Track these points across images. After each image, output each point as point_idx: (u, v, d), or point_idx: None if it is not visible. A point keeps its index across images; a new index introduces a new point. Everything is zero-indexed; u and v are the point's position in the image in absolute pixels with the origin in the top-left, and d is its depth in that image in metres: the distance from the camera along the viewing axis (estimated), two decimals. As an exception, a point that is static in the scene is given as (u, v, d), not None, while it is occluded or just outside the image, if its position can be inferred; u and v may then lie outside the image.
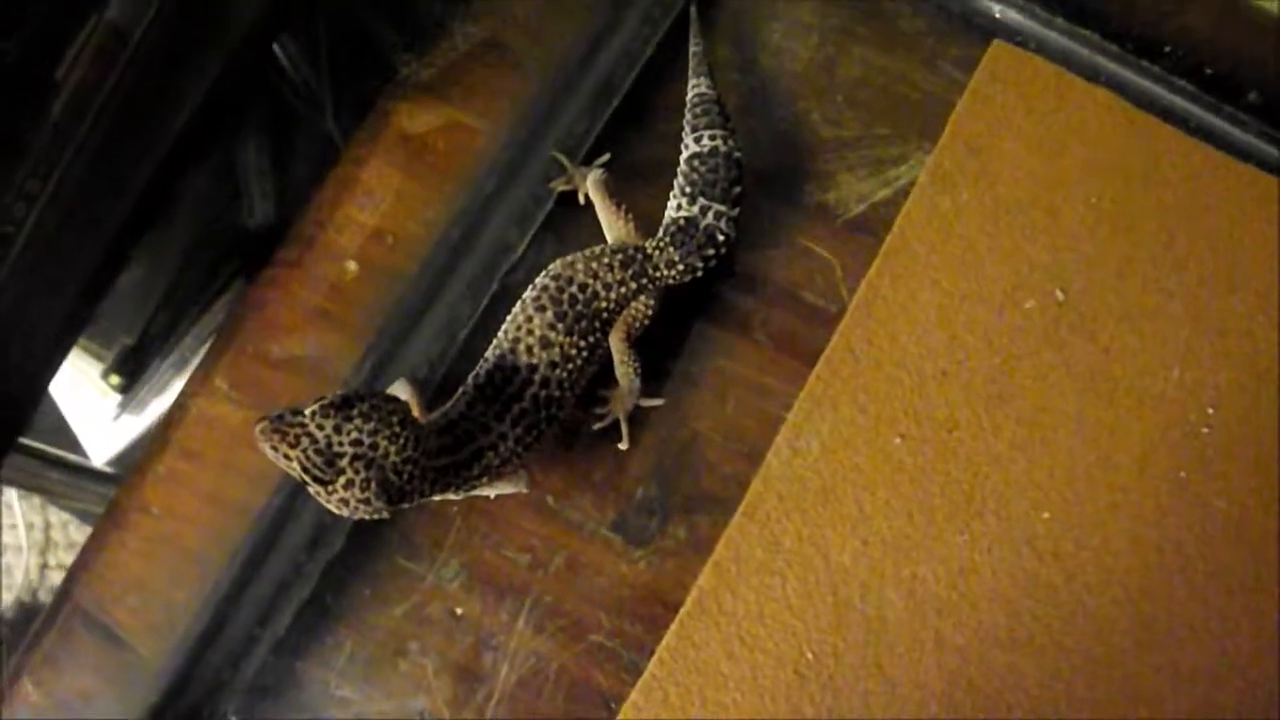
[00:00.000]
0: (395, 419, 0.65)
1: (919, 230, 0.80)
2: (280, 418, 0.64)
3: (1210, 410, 0.79)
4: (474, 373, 0.74)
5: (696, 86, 0.80)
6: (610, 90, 0.84)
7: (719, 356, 0.80)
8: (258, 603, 0.76)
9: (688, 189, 0.78)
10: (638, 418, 0.78)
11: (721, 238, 0.77)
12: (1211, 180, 0.83)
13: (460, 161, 0.78)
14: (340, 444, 0.63)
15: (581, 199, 0.81)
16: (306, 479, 0.64)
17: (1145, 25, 0.87)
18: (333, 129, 1.05)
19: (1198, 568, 0.76)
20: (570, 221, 0.81)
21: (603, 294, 0.74)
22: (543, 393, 0.72)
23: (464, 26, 0.86)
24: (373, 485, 0.64)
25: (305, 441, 0.63)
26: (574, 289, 0.73)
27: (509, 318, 0.74)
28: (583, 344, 0.73)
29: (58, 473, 1.20)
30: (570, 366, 0.73)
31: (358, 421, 0.64)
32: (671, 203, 0.79)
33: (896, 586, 0.75)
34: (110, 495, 1.21)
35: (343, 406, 0.64)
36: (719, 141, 0.78)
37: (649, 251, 0.77)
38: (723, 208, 0.77)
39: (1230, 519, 0.77)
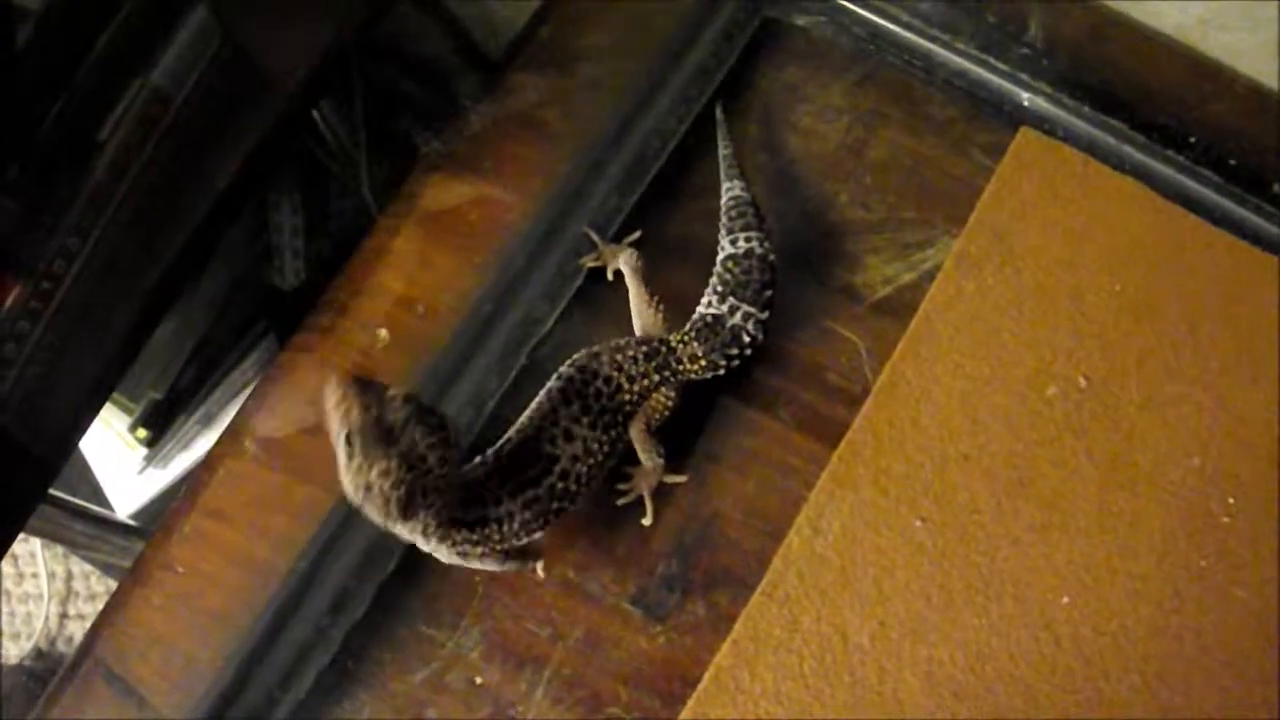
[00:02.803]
0: (452, 452, 0.67)
1: (943, 315, 0.81)
2: (366, 381, 0.66)
3: (1231, 500, 0.79)
4: (497, 446, 0.74)
5: (730, 189, 0.81)
6: (642, 167, 0.85)
7: (742, 434, 0.80)
8: (279, 665, 0.77)
9: (719, 288, 0.79)
10: (661, 494, 0.78)
11: (747, 338, 0.78)
12: (1235, 270, 0.84)
13: (492, 234, 0.79)
14: (402, 436, 0.65)
15: (610, 275, 0.82)
16: (349, 444, 0.64)
17: (1171, 116, 0.88)
18: (367, 196, 1.07)
19: (1216, 656, 0.76)
20: (600, 298, 0.83)
21: (626, 386, 0.75)
22: (559, 484, 0.73)
23: (499, 101, 0.88)
24: (403, 488, 0.65)
25: (375, 411, 0.64)
26: (599, 383, 0.75)
27: (535, 404, 0.75)
28: (605, 438, 0.74)
29: (82, 524, 1.21)
30: (591, 461, 0.74)
31: (426, 429, 0.66)
32: (704, 299, 0.80)
33: (914, 668, 0.75)
34: (132, 548, 1.23)
35: (424, 409, 0.66)
36: (754, 244, 0.79)
37: (673, 345, 0.78)
38: (752, 309, 0.78)
39: (1250, 609, 0.77)
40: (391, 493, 0.65)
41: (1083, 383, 0.80)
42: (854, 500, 0.77)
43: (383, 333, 0.82)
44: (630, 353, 0.76)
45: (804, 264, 0.84)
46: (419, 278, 0.83)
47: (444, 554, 0.73)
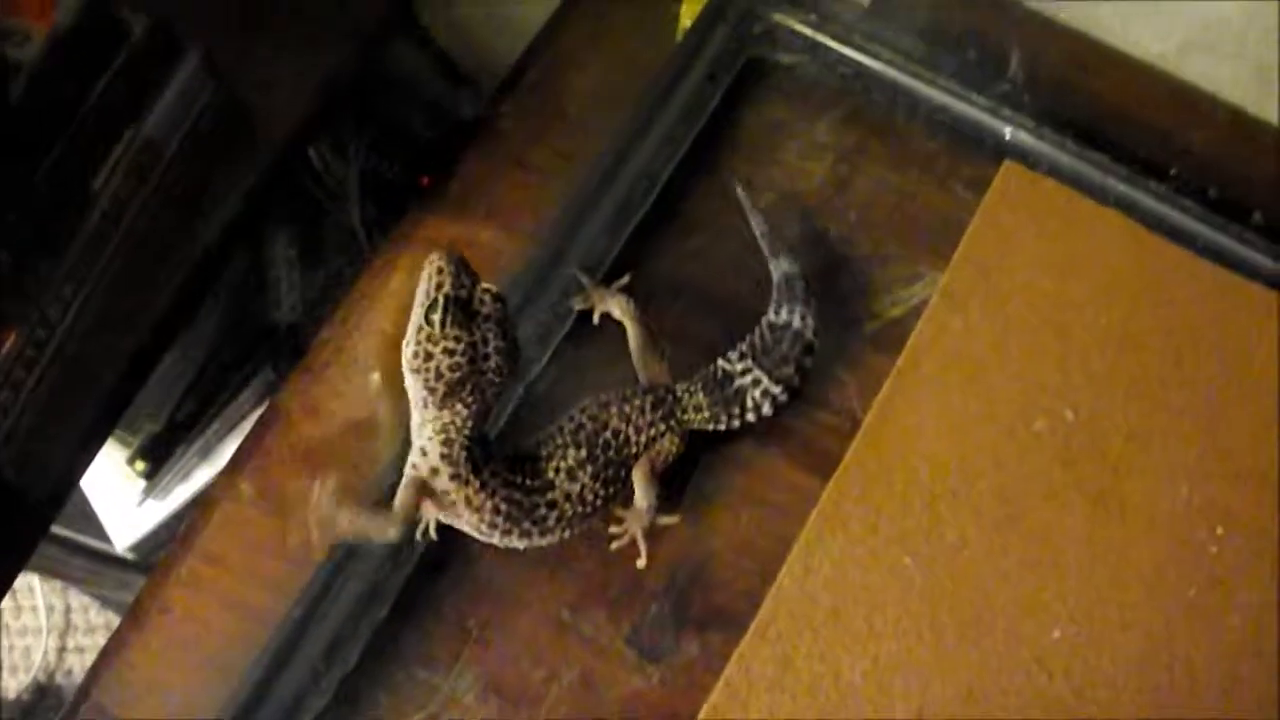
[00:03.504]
0: (511, 371, 0.72)
1: (930, 351, 0.82)
2: (468, 264, 0.70)
3: (1220, 529, 0.80)
4: (511, 447, 0.76)
5: (779, 266, 0.82)
6: (631, 208, 0.86)
7: (734, 472, 0.81)
8: (276, 711, 0.77)
9: (744, 348, 0.80)
10: (654, 534, 0.79)
11: (752, 404, 0.79)
12: (1219, 298, 0.85)
13: (484, 275, 0.79)
14: (477, 328, 0.70)
15: (596, 319, 0.83)
16: (430, 311, 0.68)
17: (1152, 146, 0.89)
18: (360, 235, 1.07)
19: (1210, 686, 0.76)
20: (592, 338, 0.83)
21: (633, 438, 0.76)
22: (543, 511, 0.74)
23: (488, 142, 0.89)
24: (457, 373, 0.69)
25: (465, 293, 0.69)
26: (608, 434, 0.75)
27: (551, 429, 0.76)
28: (603, 492, 0.75)
29: (80, 559, 1.22)
30: (581, 508, 0.75)
31: (502, 334, 0.71)
32: (729, 353, 0.80)
33: (906, 705, 0.75)
34: (131, 582, 1.23)
35: (507, 318, 0.72)
36: (794, 318, 0.80)
37: (679, 394, 0.79)
38: (765, 379, 0.79)
39: (1243, 638, 0.77)
40: (446, 371, 0.69)
41: (1070, 416, 0.81)
42: (844, 538, 0.78)
43: (375, 376, 0.83)
44: (637, 402, 0.77)
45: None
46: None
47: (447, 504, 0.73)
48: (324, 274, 1.27)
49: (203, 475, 1.29)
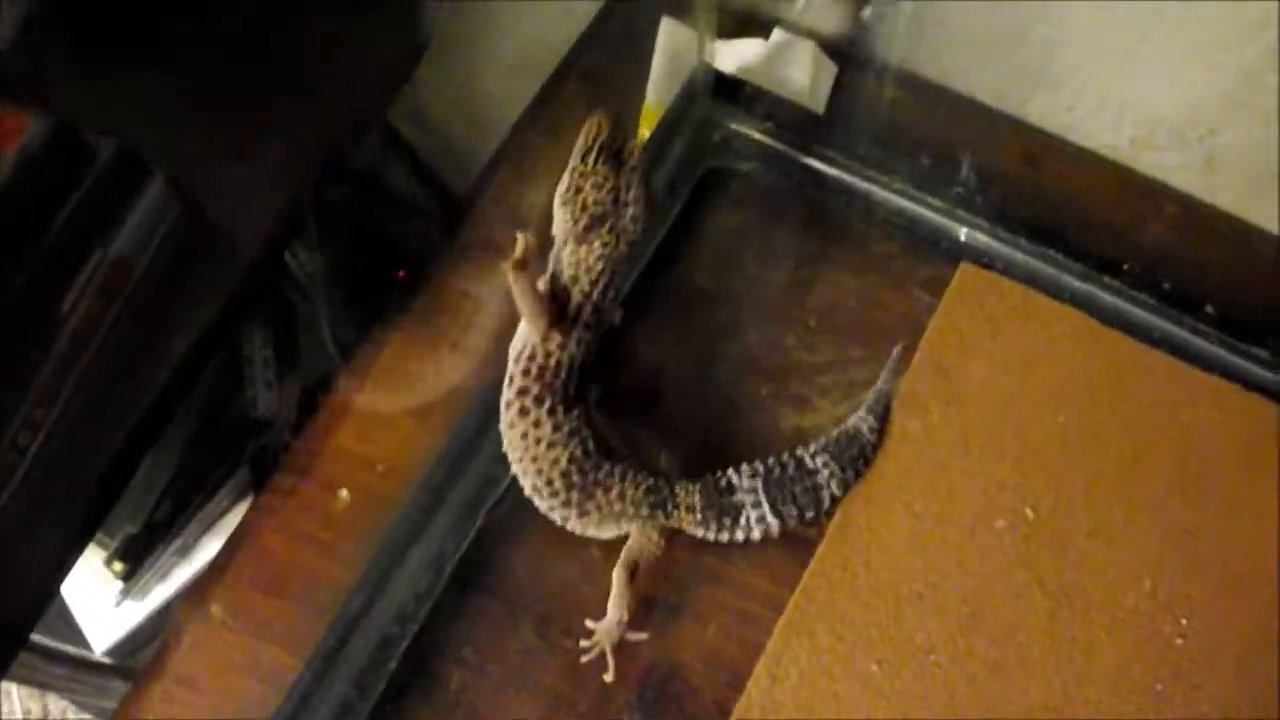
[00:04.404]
0: (644, 222, 0.80)
1: (891, 455, 0.83)
2: (623, 125, 0.80)
3: (1184, 621, 0.80)
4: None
5: (855, 418, 0.84)
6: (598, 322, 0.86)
7: (702, 582, 0.81)
8: (251, 831, 0.77)
9: (760, 468, 0.81)
10: (622, 646, 0.79)
11: (744, 524, 0.80)
12: (1175, 390, 0.86)
13: (448, 395, 0.81)
14: (623, 175, 0.78)
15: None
16: (586, 154, 0.78)
17: (1106, 242, 0.91)
18: (330, 347, 1.08)
19: (1180, 778, 0.77)
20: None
21: (617, 507, 0.79)
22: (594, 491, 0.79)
23: (452, 258, 0.90)
24: (599, 208, 0.78)
25: (618, 145, 0.79)
26: (600, 473, 0.79)
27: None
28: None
29: (58, 666, 1.21)
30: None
31: (643, 186, 0.79)
32: (745, 466, 0.81)
33: (878, 813, 0.76)
34: (110, 686, 1.23)
35: (649, 179, 0.81)
36: (826, 472, 0.81)
37: (676, 489, 0.80)
38: (765, 508, 0.80)
39: (1214, 723, 0.78)
40: (591, 205, 0.77)
41: (1030, 514, 0.82)
42: (810, 647, 0.78)
43: (344, 493, 0.84)
44: (635, 476, 0.79)
45: (754, 409, 0.85)
46: (379, 437, 0.85)
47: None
48: (300, 374, 1.28)
49: (182, 574, 1.29)
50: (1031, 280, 0.89)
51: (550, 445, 0.77)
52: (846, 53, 0.97)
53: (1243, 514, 0.83)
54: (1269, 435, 0.85)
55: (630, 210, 0.78)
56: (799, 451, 0.81)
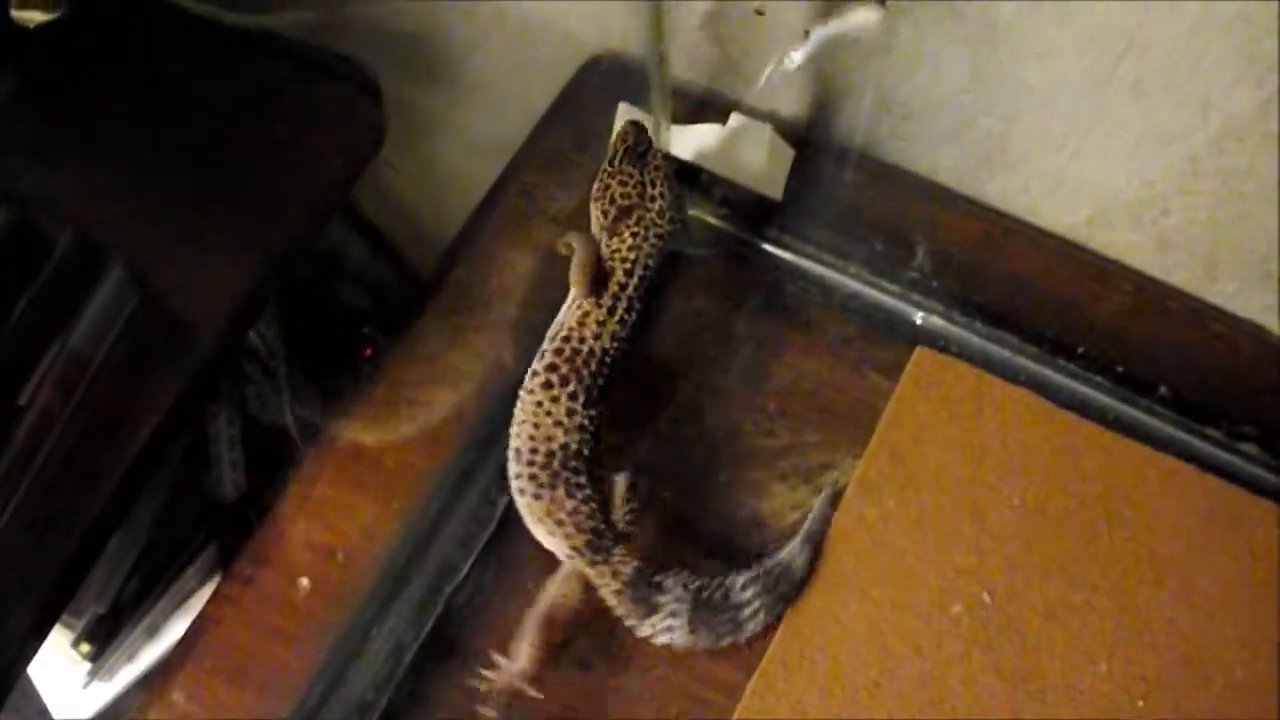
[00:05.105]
0: (677, 219, 0.87)
1: (848, 541, 0.84)
2: (646, 131, 0.87)
3: (1141, 703, 0.81)
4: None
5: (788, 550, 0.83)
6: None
7: (659, 666, 0.81)
8: None
9: (694, 587, 0.79)
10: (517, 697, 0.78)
11: (658, 622, 0.78)
12: (1130, 472, 0.87)
13: (407, 481, 0.81)
14: (652, 164, 0.86)
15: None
16: (614, 157, 0.85)
17: (1060, 325, 0.92)
18: (291, 429, 1.09)
19: None
20: (513, 545, 0.83)
21: (565, 527, 0.78)
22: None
23: (409, 344, 0.91)
24: (626, 200, 0.84)
25: (640, 148, 0.86)
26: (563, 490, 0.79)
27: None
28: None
29: (24, 754, 1.20)
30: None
31: (671, 183, 0.86)
32: (679, 574, 0.79)
33: None
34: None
35: (676, 180, 0.87)
36: (748, 597, 0.80)
37: (615, 551, 0.78)
38: (684, 623, 0.78)
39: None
40: (618, 198, 0.84)
41: (986, 599, 0.82)
42: (769, 736, 0.78)
43: (304, 581, 0.84)
44: (596, 509, 0.78)
45: (712, 495, 0.86)
46: (338, 525, 0.85)
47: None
48: (268, 448, 1.29)
49: (149, 654, 1.28)
50: (987, 363, 0.90)
51: (556, 423, 0.78)
52: (805, 136, 0.99)
53: (1198, 594, 0.83)
54: (1224, 515, 0.86)
55: (657, 204, 0.84)
56: (730, 578, 0.80)
